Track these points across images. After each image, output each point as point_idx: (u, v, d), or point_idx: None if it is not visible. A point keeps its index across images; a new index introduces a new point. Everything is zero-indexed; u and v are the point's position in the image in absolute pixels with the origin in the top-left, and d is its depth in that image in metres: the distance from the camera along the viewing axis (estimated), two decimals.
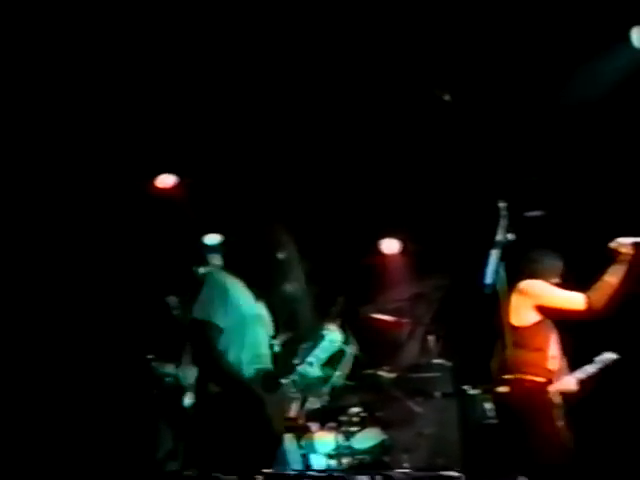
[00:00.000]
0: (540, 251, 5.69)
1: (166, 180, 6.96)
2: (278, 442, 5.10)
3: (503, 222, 5.24)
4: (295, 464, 5.50)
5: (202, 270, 5.46)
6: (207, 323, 4.96)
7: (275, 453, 5.05)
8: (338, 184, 7.08)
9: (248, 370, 5.05)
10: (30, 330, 6.36)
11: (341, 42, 6.04)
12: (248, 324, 5.12)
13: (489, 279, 4.91)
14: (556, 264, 5.61)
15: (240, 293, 5.14)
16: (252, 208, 6.76)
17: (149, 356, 6.10)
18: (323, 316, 6.09)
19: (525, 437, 5.11)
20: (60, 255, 6.51)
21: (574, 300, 5.30)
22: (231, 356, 5.00)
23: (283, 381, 5.01)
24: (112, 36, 5.99)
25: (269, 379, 4.99)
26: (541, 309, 5.37)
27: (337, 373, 6.01)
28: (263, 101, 6.53)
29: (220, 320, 4.97)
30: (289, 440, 5.41)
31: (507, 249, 5.17)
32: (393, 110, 6.57)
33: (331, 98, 6.51)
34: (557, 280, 5.52)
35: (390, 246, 7.72)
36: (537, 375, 5.27)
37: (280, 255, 5.92)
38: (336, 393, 6.30)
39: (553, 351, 5.38)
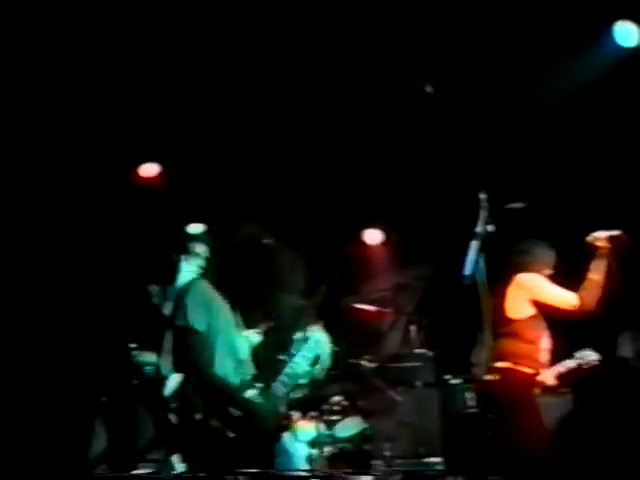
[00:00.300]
0: (530, 242, 5.66)
1: (149, 169, 7.01)
2: (271, 440, 5.31)
3: (483, 213, 5.32)
4: (299, 459, 5.72)
5: (185, 263, 5.52)
6: (189, 329, 5.14)
7: (269, 450, 5.26)
8: (321, 174, 7.16)
9: (234, 379, 5.25)
10: (9, 318, 6.41)
11: (324, 34, 6.12)
12: (229, 333, 5.28)
13: (468, 270, 5.01)
14: (547, 255, 5.59)
15: (220, 302, 5.29)
16: (235, 197, 6.89)
17: (130, 345, 6.19)
18: (305, 305, 6.34)
19: (509, 427, 5.17)
20: (41, 243, 6.56)
21: (567, 299, 5.30)
22: (217, 366, 5.16)
23: (272, 384, 5.22)
24: (100, 25, 6.08)
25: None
26: (536, 303, 5.41)
27: (318, 367, 5.99)
28: (247, 91, 6.60)
29: (200, 325, 5.12)
30: (289, 437, 5.68)
31: (487, 240, 5.26)
32: (377, 101, 6.63)
33: (315, 89, 6.58)
34: (549, 271, 5.53)
35: (373, 236, 7.80)
36: (528, 366, 5.32)
37: (265, 241, 6.40)
38: (317, 383, 6.21)
39: (545, 344, 5.45)
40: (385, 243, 7.77)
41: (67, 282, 6.59)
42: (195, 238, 5.96)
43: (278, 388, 5.29)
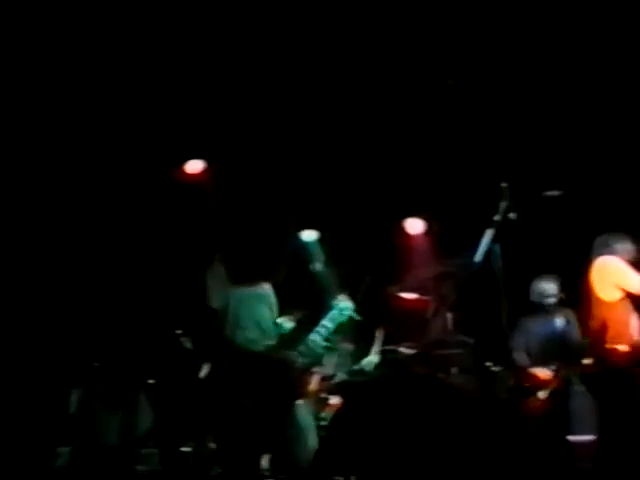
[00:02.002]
0: (611, 235, 6.04)
1: (194, 166, 7.44)
2: (288, 408, 5.78)
3: (504, 202, 5.84)
4: (309, 430, 6.08)
5: None
6: (209, 309, 5.78)
7: (286, 418, 5.73)
8: (362, 165, 7.61)
9: (257, 347, 5.81)
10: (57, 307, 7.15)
11: (352, 27, 6.64)
12: (250, 304, 5.78)
13: (479, 257, 5.53)
14: (627, 247, 5.98)
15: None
16: (280, 192, 7.41)
17: (177, 331, 6.86)
18: (351, 295, 6.75)
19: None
20: (92, 244, 7.19)
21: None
22: (239, 337, 5.72)
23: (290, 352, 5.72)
24: (137, 22, 6.64)
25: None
26: (619, 286, 5.87)
27: (370, 359, 6.76)
28: (286, 87, 7.19)
29: (216, 303, 5.66)
30: (303, 407, 6.05)
31: (508, 228, 5.76)
32: (411, 87, 7.14)
33: (352, 80, 7.11)
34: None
35: (414, 226, 8.17)
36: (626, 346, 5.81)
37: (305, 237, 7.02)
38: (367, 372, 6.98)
39: (634, 324, 5.89)
40: (427, 232, 8.11)
41: (120, 274, 7.31)
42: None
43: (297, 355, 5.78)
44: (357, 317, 6.28)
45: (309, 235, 7.42)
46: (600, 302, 5.91)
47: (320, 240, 7.38)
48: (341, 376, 6.98)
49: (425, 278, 7.74)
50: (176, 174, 7.34)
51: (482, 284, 6.16)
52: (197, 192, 7.32)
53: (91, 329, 6.99)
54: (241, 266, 5.92)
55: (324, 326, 5.96)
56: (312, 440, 6.01)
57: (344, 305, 6.11)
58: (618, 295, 5.85)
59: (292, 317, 6.22)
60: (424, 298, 7.53)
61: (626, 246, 5.98)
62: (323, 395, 6.73)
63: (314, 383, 6.44)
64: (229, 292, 5.85)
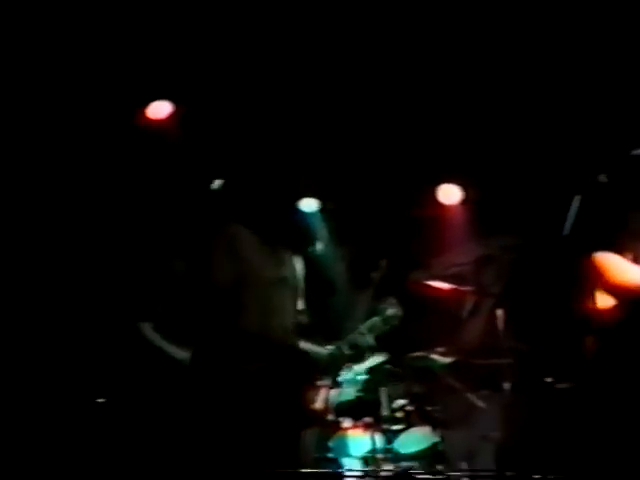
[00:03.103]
0: None
1: (159, 109, 6.68)
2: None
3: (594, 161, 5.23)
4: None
5: None
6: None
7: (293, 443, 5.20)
8: (375, 111, 6.82)
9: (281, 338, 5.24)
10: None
11: None
12: (269, 289, 5.24)
13: (566, 229, 4.91)
14: None
15: (255, 253, 5.25)
16: (268, 144, 6.51)
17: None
18: (362, 283, 6.40)
19: None
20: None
21: None
22: (254, 325, 5.16)
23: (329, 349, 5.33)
24: None
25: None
26: None
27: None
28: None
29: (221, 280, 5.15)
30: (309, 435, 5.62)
31: (599, 193, 5.11)
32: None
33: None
34: None
35: (449, 194, 7.29)
36: None
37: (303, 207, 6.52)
38: (375, 380, 6.34)
39: None
40: (464, 203, 7.30)
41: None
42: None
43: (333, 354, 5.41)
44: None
45: (308, 205, 6.80)
46: None
47: (322, 211, 6.85)
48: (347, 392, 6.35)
49: (461, 263, 7.24)
50: (136, 119, 6.62)
51: (545, 269, 5.96)
52: (163, 142, 6.59)
53: None
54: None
55: (369, 328, 5.60)
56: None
57: (392, 312, 5.66)
58: None
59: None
60: (460, 289, 6.77)
61: None
62: (331, 417, 6.09)
63: (321, 400, 5.86)
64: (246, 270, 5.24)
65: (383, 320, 5.63)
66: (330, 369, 5.60)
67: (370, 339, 5.59)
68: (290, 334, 5.31)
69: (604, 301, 5.14)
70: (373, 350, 5.97)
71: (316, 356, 5.48)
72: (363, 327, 5.57)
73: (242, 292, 5.24)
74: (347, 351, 5.43)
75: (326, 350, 5.44)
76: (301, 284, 5.49)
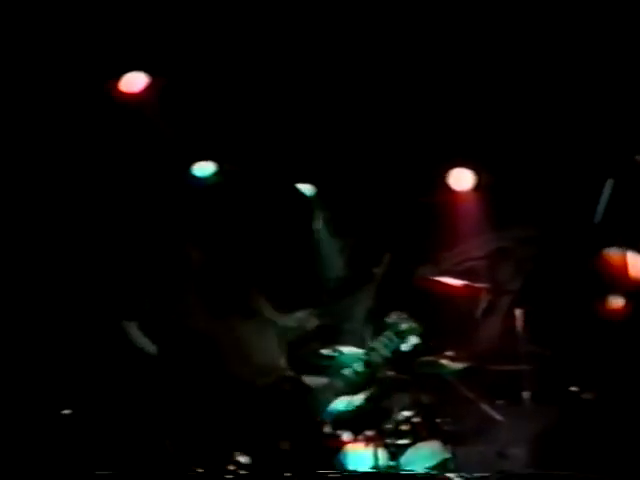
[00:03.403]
0: None
1: (134, 80, 6.36)
2: None
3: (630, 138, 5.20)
4: None
5: None
6: None
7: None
8: (383, 87, 6.45)
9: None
10: None
11: None
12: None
13: (598, 216, 4.79)
14: None
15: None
16: (256, 120, 6.27)
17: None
18: (362, 280, 6.24)
19: None
20: None
21: None
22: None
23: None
24: None
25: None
26: None
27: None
28: None
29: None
30: None
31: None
32: None
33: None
34: None
35: (461, 179, 6.95)
36: None
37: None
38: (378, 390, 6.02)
39: None
40: (477, 188, 6.97)
41: None
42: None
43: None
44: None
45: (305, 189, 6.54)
46: None
47: (317, 198, 6.53)
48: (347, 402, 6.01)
49: (474, 256, 6.96)
50: (110, 91, 6.31)
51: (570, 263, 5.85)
52: (138, 119, 6.26)
53: None
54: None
55: (390, 340, 5.51)
56: None
57: (406, 326, 5.57)
58: None
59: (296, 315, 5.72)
60: (473, 286, 6.50)
61: None
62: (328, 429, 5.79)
63: None
64: None
65: (397, 334, 5.50)
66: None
67: (385, 352, 5.51)
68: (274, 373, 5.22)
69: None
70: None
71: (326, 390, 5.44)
72: (377, 344, 5.45)
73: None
74: (361, 371, 5.34)
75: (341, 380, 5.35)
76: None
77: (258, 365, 5.37)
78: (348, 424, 5.92)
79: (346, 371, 5.40)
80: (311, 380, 5.50)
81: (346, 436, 5.88)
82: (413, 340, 5.70)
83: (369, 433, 5.86)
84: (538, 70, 6.36)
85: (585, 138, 6.08)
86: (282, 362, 5.52)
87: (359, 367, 5.45)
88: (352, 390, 5.64)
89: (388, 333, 5.59)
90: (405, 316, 5.65)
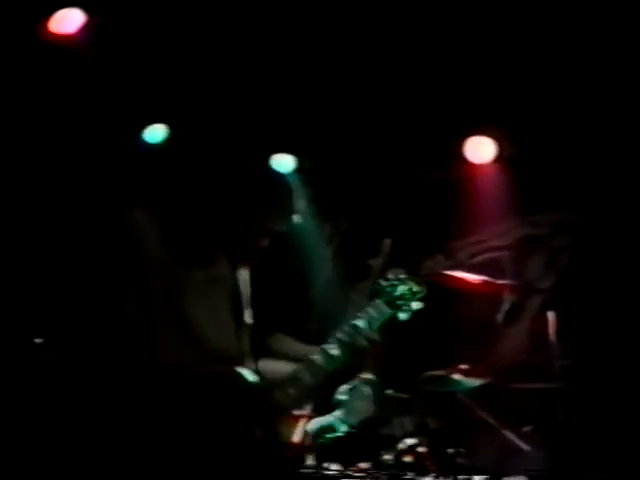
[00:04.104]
0: None
1: (68, 19, 5.64)
2: None
3: None
4: None
5: None
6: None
7: None
8: (386, 44, 5.72)
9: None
10: None
11: None
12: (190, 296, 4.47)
13: None
14: None
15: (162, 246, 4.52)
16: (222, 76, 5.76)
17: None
18: (356, 274, 5.93)
19: None
20: None
21: None
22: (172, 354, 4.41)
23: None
24: None
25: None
26: None
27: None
28: None
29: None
30: None
31: None
32: None
33: None
34: None
35: (480, 150, 6.25)
36: None
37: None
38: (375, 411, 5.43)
39: None
40: (500, 161, 6.32)
41: None
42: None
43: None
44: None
45: (282, 163, 6.00)
46: None
47: (300, 172, 6.05)
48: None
49: (496, 246, 6.43)
50: (40, 32, 5.65)
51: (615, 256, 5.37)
52: (71, 65, 5.58)
53: None
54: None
55: (370, 314, 4.57)
56: None
57: (404, 289, 4.66)
58: None
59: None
60: (494, 282, 5.59)
61: None
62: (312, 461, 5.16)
63: (299, 433, 4.96)
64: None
65: (390, 302, 4.57)
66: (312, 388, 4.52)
67: (372, 334, 4.66)
68: (231, 360, 4.43)
69: None
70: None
71: (287, 379, 4.40)
72: (361, 317, 4.62)
73: (153, 307, 4.45)
74: (336, 353, 4.46)
75: (305, 364, 4.40)
76: (246, 287, 4.68)
77: (209, 350, 4.59)
78: (336, 453, 5.34)
79: (315, 357, 4.53)
80: (272, 368, 4.62)
81: (334, 468, 5.24)
82: (414, 306, 4.70)
83: (363, 465, 5.30)
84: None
85: (632, 97, 5.30)
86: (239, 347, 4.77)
87: (333, 350, 4.47)
88: (321, 380, 4.64)
89: (378, 302, 4.63)
90: (402, 275, 4.69)
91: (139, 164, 5.88)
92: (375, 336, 4.71)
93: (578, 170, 6.22)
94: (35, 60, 5.70)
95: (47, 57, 5.67)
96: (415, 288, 4.71)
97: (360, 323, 4.60)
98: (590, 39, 5.81)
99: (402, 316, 4.77)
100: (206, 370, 4.38)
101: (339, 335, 4.57)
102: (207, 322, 4.46)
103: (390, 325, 4.74)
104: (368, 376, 5.76)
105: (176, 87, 6.00)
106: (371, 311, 4.63)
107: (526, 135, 6.24)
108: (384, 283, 4.72)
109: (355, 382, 5.75)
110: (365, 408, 5.32)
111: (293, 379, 4.46)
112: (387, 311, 4.61)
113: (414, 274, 5.17)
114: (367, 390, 5.24)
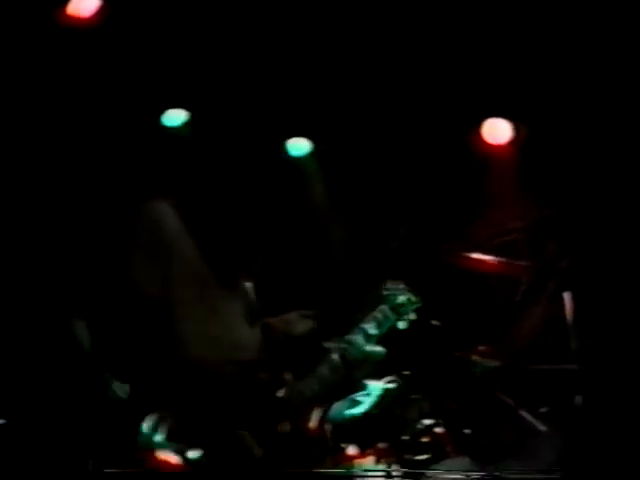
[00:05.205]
0: None
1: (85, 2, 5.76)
2: None
3: None
4: None
5: None
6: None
7: None
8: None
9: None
10: None
11: None
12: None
13: None
14: None
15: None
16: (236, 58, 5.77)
17: None
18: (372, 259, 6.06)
19: None
20: None
21: None
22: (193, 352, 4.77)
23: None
24: None
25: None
26: None
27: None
28: None
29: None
30: None
31: None
32: None
33: None
34: None
35: (497, 131, 6.37)
36: None
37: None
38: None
39: None
40: (517, 142, 6.42)
41: None
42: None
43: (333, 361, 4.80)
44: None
45: (296, 147, 6.21)
46: None
47: (314, 156, 6.24)
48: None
49: (514, 228, 6.41)
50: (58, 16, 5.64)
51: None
52: (90, 51, 5.62)
53: None
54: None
55: (375, 323, 4.88)
56: None
57: (404, 299, 4.95)
58: None
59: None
60: (512, 264, 5.91)
61: None
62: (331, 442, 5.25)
63: (315, 419, 5.10)
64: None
65: (393, 310, 4.89)
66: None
67: (378, 332, 4.93)
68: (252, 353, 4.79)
69: None
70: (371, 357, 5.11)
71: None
72: (368, 322, 4.90)
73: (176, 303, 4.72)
74: (351, 353, 4.79)
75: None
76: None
77: (227, 349, 4.79)
78: (353, 434, 5.44)
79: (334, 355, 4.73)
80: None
81: (352, 450, 5.38)
82: (411, 316, 4.99)
83: (380, 446, 5.43)
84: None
85: None
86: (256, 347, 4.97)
87: (335, 358, 4.75)
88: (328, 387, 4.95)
89: (383, 307, 4.95)
90: (402, 285, 5.00)
91: (160, 149, 5.84)
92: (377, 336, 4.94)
93: (596, 151, 6.11)
94: (53, 44, 5.65)
95: (65, 41, 5.63)
96: (413, 299, 5.00)
97: (368, 325, 4.86)
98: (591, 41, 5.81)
99: (401, 325, 5.03)
100: (229, 368, 4.58)
101: (376, 314, 4.85)
102: (232, 318, 4.69)
103: (390, 334, 5.04)
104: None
105: (193, 71, 5.95)
106: (378, 316, 4.91)
107: (543, 116, 6.16)
108: (386, 292, 4.99)
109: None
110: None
111: (316, 376, 4.71)
112: (392, 317, 4.90)
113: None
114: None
